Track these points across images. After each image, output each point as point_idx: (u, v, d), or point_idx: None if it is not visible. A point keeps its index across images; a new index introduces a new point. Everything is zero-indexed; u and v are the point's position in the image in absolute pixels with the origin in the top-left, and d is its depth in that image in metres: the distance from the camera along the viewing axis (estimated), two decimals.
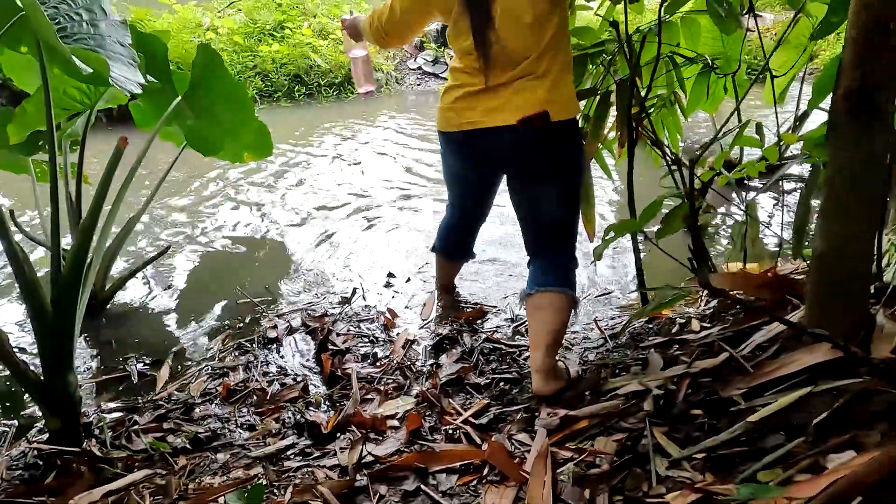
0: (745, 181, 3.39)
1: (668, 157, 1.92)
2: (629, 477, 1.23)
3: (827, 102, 1.74)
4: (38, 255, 2.65)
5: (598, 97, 2.06)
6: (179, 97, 2.14)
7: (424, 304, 2.35)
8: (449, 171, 2.01)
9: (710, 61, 2.08)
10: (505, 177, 1.88)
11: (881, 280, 1.57)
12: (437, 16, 1.79)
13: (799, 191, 3.43)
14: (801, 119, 3.17)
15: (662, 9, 1.75)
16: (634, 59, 1.89)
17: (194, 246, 2.95)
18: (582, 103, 2.05)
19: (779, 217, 3.06)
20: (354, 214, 3.29)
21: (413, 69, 6.35)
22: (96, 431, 1.63)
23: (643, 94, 1.95)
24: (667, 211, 1.61)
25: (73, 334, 1.48)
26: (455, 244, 2.28)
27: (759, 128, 1.92)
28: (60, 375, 1.47)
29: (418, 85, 6.24)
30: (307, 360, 2.04)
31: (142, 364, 2.04)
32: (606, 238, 1.43)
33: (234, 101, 2.20)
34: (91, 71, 1.28)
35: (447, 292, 2.45)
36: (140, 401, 1.83)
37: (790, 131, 3.39)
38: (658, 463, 1.28)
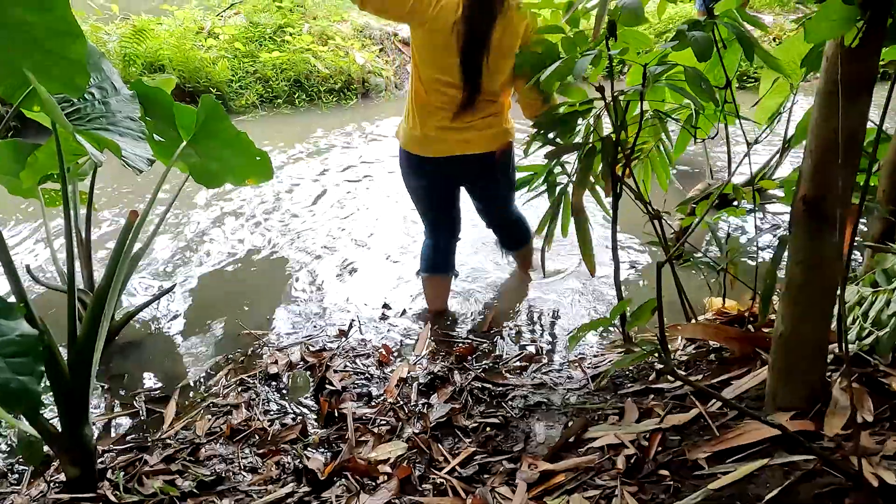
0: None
1: (649, 212, 2.02)
2: None
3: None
4: (38, 290, 2.75)
5: (585, 150, 2.16)
6: (185, 142, 2.24)
7: (418, 338, 2.46)
8: (418, 193, 2.40)
9: (695, 109, 2.17)
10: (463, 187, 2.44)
11: (844, 348, 1.68)
12: (414, 16, 1.99)
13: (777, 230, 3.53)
14: (781, 153, 3.27)
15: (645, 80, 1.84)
16: (619, 119, 1.98)
17: (194, 272, 3.06)
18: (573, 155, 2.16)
19: (760, 242, 3.16)
20: (353, 239, 3.39)
21: None
22: (109, 474, 1.76)
23: (628, 149, 2.05)
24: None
25: (88, 392, 1.59)
26: (438, 260, 2.54)
27: (736, 190, 2.02)
28: (77, 430, 1.59)
29: None
30: (306, 398, 2.16)
31: (148, 399, 2.16)
32: (578, 334, 1.55)
33: (236, 146, 2.30)
34: (104, 158, 1.37)
35: (441, 317, 2.59)
36: (149, 439, 1.95)
37: (772, 165, 3.48)
38: None
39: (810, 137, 1.29)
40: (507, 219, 2.62)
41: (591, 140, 2.14)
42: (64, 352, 1.61)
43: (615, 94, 2.00)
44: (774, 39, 7.03)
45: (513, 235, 2.72)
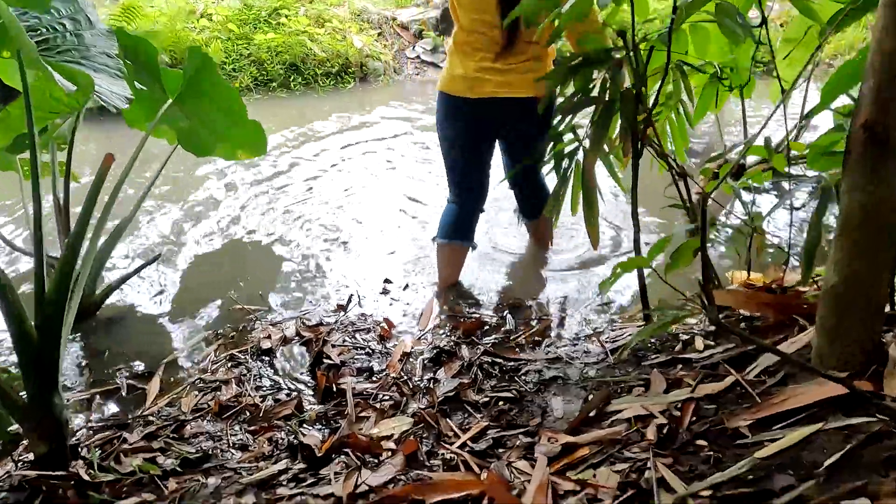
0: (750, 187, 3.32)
1: (673, 170, 1.87)
2: None
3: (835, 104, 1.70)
4: (27, 266, 2.60)
5: (601, 106, 2.00)
6: (170, 100, 2.07)
7: (422, 314, 2.30)
8: (452, 140, 2.29)
9: (719, 70, 2.02)
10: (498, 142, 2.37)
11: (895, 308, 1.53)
12: None
13: (806, 196, 3.39)
14: (806, 118, 3.10)
15: (674, 16, 1.68)
16: (641, 68, 1.83)
17: (186, 249, 2.89)
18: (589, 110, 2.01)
19: (780, 222, 3.01)
20: (352, 216, 3.23)
21: (411, 58, 6.25)
22: (84, 452, 1.59)
23: (649, 104, 1.89)
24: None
25: (58, 357, 1.43)
26: (459, 226, 2.39)
27: (767, 142, 1.87)
28: (46, 400, 1.43)
29: (417, 74, 6.14)
30: (301, 374, 2.00)
31: (131, 375, 1.99)
32: (615, 274, 1.39)
33: (227, 107, 2.14)
34: (75, 88, 1.21)
35: (449, 292, 2.43)
36: (129, 417, 1.79)
37: (795, 135, 3.33)
38: (664, 497, 1.24)
39: (872, 54, 1.13)
40: (533, 180, 2.53)
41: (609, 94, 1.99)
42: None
43: (635, 40, 1.85)
44: (781, 26, 6.90)
45: (535, 200, 2.58)
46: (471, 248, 2.47)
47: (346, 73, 5.72)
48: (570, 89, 1.90)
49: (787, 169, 1.94)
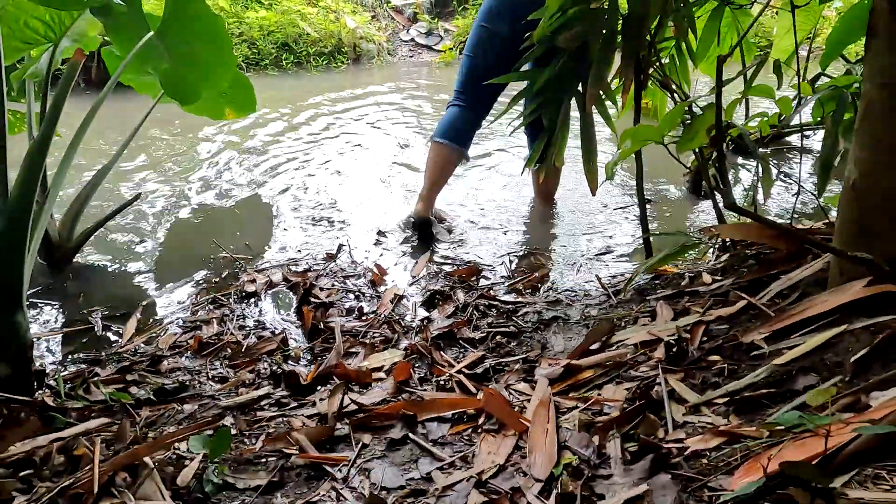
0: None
1: (680, 96, 1.78)
2: (642, 423, 1.10)
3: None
4: None
5: (601, 38, 1.91)
6: (152, 32, 1.97)
7: (416, 262, 2.21)
8: (483, 43, 2.30)
9: None
10: None
11: None
12: None
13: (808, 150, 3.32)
14: (814, 80, 3.04)
15: None
16: None
17: (170, 202, 2.78)
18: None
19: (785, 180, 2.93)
20: (344, 175, 3.13)
21: (405, 41, 6.17)
22: (51, 382, 1.48)
23: (653, 32, 1.81)
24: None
25: (21, 269, 1.32)
26: (459, 131, 2.36)
27: (777, 67, 1.78)
28: (9, 315, 1.32)
29: (411, 57, 6.06)
30: (287, 315, 1.89)
31: (107, 317, 1.88)
32: (622, 151, 1.29)
33: (213, 37, 2.02)
34: None
35: (432, 194, 2.42)
36: (102, 354, 1.68)
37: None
38: (675, 409, 1.15)
39: None
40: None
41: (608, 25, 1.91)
42: None
43: None
44: (777, 13, 6.85)
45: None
46: (464, 160, 2.44)
47: (340, 52, 5.64)
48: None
49: (794, 108, 1.84)
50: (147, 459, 1.05)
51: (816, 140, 3.39)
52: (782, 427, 0.88)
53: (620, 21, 1.85)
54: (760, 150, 1.90)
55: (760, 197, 1.89)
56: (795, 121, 2.39)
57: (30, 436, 1.15)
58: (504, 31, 2.25)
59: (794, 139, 3.38)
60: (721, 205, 1.60)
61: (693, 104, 1.64)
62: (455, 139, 2.35)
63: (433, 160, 2.40)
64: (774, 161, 3.24)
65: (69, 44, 2.17)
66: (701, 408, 1.14)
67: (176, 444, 1.13)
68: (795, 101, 2.02)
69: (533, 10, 1.87)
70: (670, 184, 2.93)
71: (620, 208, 2.65)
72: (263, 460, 1.13)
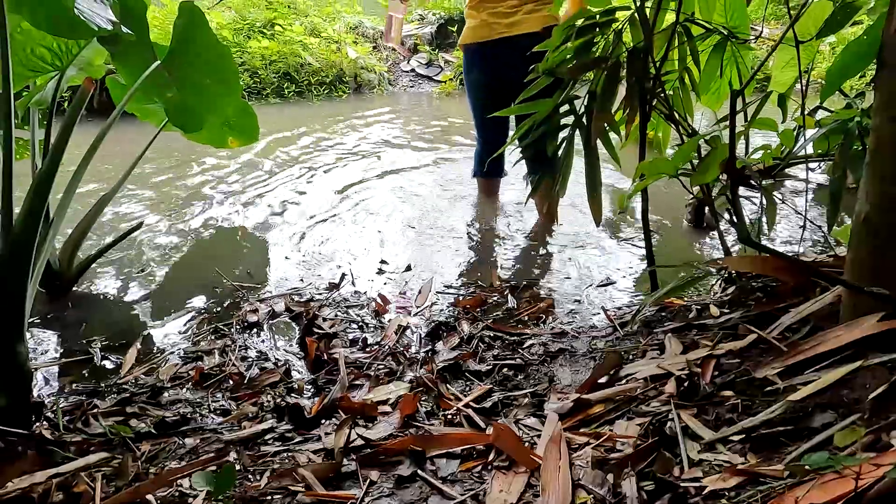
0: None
1: (685, 133, 1.79)
2: (657, 461, 1.08)
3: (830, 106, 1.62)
4: None
5: (605, 70, 1.93)
6: (158, 61, 1.98)
7: (419, 292, 2.19)
8: (477, 84, 2.73)
9: (727, 31, 1.97)
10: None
11: None
12: None
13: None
14: (813, 112, 3.07)
15: None
16: (650, 25, 1.77)
17: (171, 231, 2.78)
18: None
19: (789, 210, 2.94)
20: (345, 204, 3.13)
21: (406, 71, 6.25)
22: (49, 414, 1.45)
23: (657, 64, 1.83)
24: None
25: (24, 298, 1.30)
26: (492, 166, 2.81)
27: (781, 100, 1.80)
28: (10, 344, 1.29)
29: (411, 87, 6.12)
30: (290, 345, 1.87)
31: (106, 346, 1.85)
32: (636, 185, 1.29)
33: (220, 66, 2.04)
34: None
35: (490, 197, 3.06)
36: (102, 385, 1.65)
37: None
38: (689, 446, 1.13)
39: None
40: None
41: (614, 56, 1.93)
42: None
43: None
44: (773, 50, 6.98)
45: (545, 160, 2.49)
46: (503, 176, 2.98)
47: (341, 82, 5.70)
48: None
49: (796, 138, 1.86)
50: (150, 497, 1.02)
51: (816, 174, 3.42)
52: (808, 468, 0.86)
53: (625, 53, 1.88)
54: (764, 181, 1.90)
55: (764, 227, 1.90)
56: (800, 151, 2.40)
57: (28, 471, 1.12)
58: (483, 79, 2.70)
59: (793, 171, 3.41)
60: (736, 237, 1.59)
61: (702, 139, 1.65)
62: (488, 173, 2.90)
63: (480, 191, 3.06)
64: (778, 194, 3.26)
65: (75, 72, 2.19)
66: (716, 445, 1.11)
67: (178, 481, 1.10)
68: (796, 132, 2.04)
69: (502, 55, 2.50)
70: (669, 216, 2.94)
71: (624, 239, 2.65)
72: (269, 498, 1.09)
